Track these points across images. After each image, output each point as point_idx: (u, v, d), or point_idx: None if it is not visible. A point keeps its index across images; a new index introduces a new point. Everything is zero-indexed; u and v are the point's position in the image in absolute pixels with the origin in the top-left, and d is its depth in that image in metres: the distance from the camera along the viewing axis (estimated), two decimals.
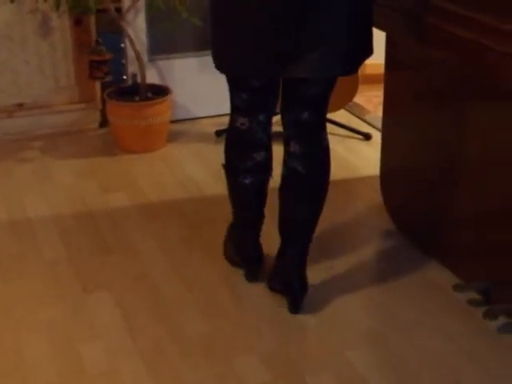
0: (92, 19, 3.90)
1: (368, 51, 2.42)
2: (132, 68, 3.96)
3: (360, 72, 3.76)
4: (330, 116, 3.98)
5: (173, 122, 3.95)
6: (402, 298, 2.67)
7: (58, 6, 3.61)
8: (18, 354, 2.39)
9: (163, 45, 4.05)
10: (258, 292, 2.70)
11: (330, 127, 3.96)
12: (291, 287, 2.59)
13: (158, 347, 2.42)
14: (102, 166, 3.70)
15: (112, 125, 3.88)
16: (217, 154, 3.78)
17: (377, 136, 3.85)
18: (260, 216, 2.70)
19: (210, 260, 2.89)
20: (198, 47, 4.04)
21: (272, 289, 2.68)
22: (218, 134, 3.95)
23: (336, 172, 3.58)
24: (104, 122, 4.05)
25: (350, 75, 2.40)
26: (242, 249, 2.78)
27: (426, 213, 2.86)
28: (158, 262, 2.86)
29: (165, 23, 3.83)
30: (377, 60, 4.15)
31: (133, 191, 3.42)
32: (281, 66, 2.29)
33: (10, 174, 3.61)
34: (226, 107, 4.16)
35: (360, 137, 3.96)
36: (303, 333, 2.52)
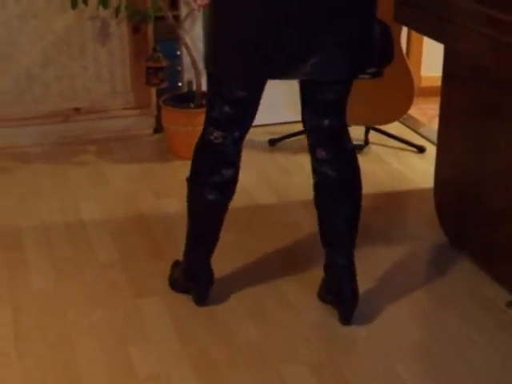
0: (150, 27, 3.95)
1: (371, 60, 2.43)
2: (188, 75, 4.00)
3: (415, 84, 3.76)
4: (383, 128, 3.98)
5: None
6: (453, 312, 2.65)
7: (117, 13, 3.67)
8: (71, 355, 2.43)
9: None
10: (308, 301, 2.70)
11: (383, 139, 3.99)
12: (343, 298, 2.58)
13: (207, 353, 2.44)
14: (155, 171, 3.74)
15: (166, 131, 3.92)
16: (270, 163, 3.82)
17: (430, 149, 3.82)
18: (216, 236, 2.63)
19: (260, 268, 2.90)
20: None
21: (323, 300, 2.67)
22: (272, 142, 3.96)
23: (389, 184, 3.61)
24: (158, 128, 4.09)
25: (353, 79, 2.40)
26: (193, 271, 2.67)
27: (479, 227, 2.84)
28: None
29: None
30: (432, 72, 4.16)
31: (185, 197, 3.44)
32: (284, 68, 2.28)
33: (65, 177, 3.66)
34: (279, 116, 4.22)
35: (413, 149, 3.94)
36: (352, 344, 2.51)
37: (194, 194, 2.57)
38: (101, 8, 3.70)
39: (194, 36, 3.96)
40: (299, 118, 4.07)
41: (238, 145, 2.52)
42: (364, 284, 2.67)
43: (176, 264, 2.79)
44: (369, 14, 2.36)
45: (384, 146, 3.95)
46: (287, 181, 3.62)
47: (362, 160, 3.69)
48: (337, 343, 2.50)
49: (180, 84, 4.07)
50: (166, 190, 3.54)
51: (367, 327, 2.57)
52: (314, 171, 2.53)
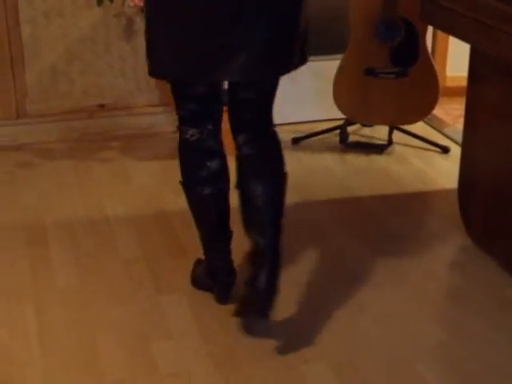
0: None
1: (303, 60, 2.42)
2: None
3: (440, 84, 3.74)
4: (407, 128, 3.97)
5: None
6: (475, 314, 2.63)
7: (143, 9, 3.68)
8: (93, 349, 2.44)
9: None
10: (326, 299, 2.69)
11: (407, 139, 3.97)
12: (256, 288, 2.39)
13: (229, 351, 2.44)
14: (178, 168, 3.73)
15: None
16: (293, 161, 3.80)
17: (455, 149, 3.80)
18: (225, 230, 2.60)
19: (282, 267, 2.89)
20: None
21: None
22: (295, 141, 3.96)
23: (412, 184, 3.59)
24: None
25: (277, 77, 2.39)
26: (213, 269, 2.64)
27: (504, 228, 2.82)
28: None
29: None
30: (457, 72, 4.14)
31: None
32: (211, 69, 2.27)
33: (89, 173, 3.68)
34: (303, 115, 4.21)
35: (438, 150, 3.92)
36: (373, 343, 2.50)
37: (190, 194, 2.56)
38: (126, 5, 3.71)
39: None
40: (323, 116, 4.13)
41: (216, 136, 2.51)
42: (385, 283, 2.67)
43: (198, 262, 2.80)
44: (295, 10, 2.31)
45: (408, 145, 3.93)
46: (310, 180, 3.61)
47: (386, 160, 3.70)
48: (357, 342, 2.50)
49: None
50: None
51: (387, 327, 2.56)
52: (237, 157, 2.50)
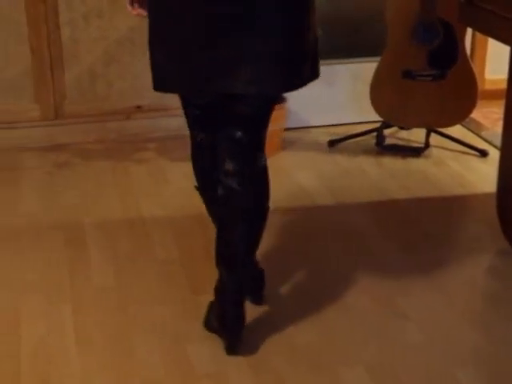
0: None
1: (313, 75, 2.32)
2: None
3: (479, 87, 3.71)
4: (445, 130, 3.94)
5: (286, 129, 3.97)
6: None
7: None
8: (129, 350, 2.46)
9: None
10: (366, 304, 2.69)
11: (444, 142, 3.94)
12: (226, 324, 2.42)
13: (265, 353, 2.44)
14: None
15: None
16: (329, 163, 3.81)
17: (493, 153, 3.77)
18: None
19: (316, 269, 2.89)
20: None
21: (209, 329, 2.51)
22: (331, 143, 3.95)
23: (450, 187, 3.57)
24: None
25: (282, 93, 2.33)
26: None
27: None
28: (267, 269, 2.87)
29: None
30: (496, 75, 4.10)
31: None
32: (210, 80, 2.22)
33: (126, 174, 3.70)
34: (339, 117, 4.21)
35: (475, 153, 3.89)
36: (411, 349, 2.48)
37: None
38: None
39: None
40: (360, 118, 4.12)
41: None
42: (421, 287, 2.65)
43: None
44: (300, 24, 2.22)
45: (445, 149, 3.90)
46: (346, 183, 3.60)
47: (423, 163, 3.68)
48: (395, 347, 2.48)
49: None
50: None
51: (425, 332, 2.55)
52: (219, 183, 2.38)
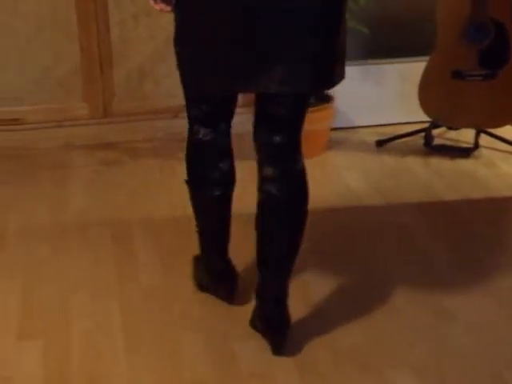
0: None
1: (342, 75, 2.30)
2: None
3: None
4: (495, 131, 3.88)
5: (333, 129, 3.96)
6: None
7: None
8: (176, 348, 2.47)
9: None
10: (414, 304, 2.66)
11: (495, 143, 3.89)
12: (271, 327, 2.45)
13: (312, 355, 2.44)
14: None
15: None
16: (376, 164, 3.78)
17: None
18: (228, 229, 2.63)
19: (363, 270, 2.87)
20: (362, 56, 4.03)
21: (254, 328, 2.53)
22: (379, 144, 3.92)
23: (500, 188, 3.51)
24: None
25: (317, 93, 2.30)
26: (211, 266, 2.68)
27: None
28: (313, 270, 2.87)
29: None
30: None
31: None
32: (244, 79, 2.20)
33: (173, 172, 3.71)
34: (387, 117, 4.17)
35: None
36: (458, 349, 2.46)
37: (198, 194, 2.57)
38: None
39: None
40: (408, 119, 4.09)
41: (228, 135, 2.51)
42: (469, 289, 2.62)
43: (197, 260, 2.79)
44: (335, 24, 2.21)
45: (495, 149, 3.85)
46: (394, 183, 3.57)
47: (472, 163, 3.64)
48: (440, 347, 2.46)
49: None
50: None
51: (473, 335, 2.52)
52: (259, 189, 2.40)
